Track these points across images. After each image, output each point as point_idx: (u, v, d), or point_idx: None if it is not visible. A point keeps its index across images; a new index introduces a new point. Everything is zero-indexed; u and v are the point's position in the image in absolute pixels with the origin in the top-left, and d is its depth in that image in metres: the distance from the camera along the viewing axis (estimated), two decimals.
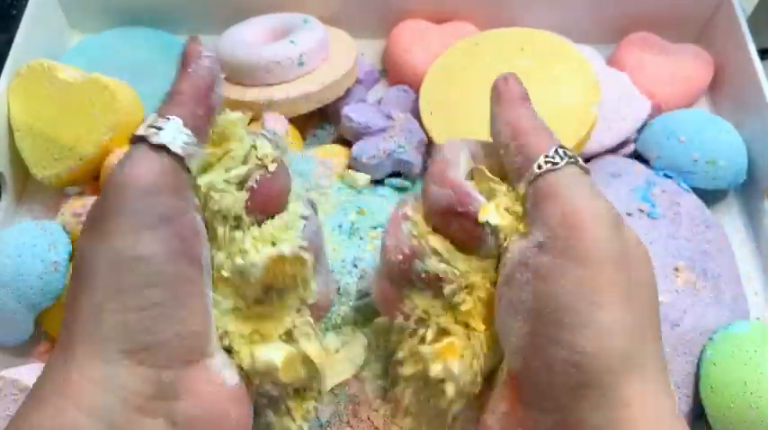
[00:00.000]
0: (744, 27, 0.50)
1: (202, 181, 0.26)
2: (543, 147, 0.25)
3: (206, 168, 0.26)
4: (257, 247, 0.26)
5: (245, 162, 0.27)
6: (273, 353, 0.27)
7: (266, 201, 0.27)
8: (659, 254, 0.41)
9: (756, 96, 0.48)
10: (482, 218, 0.26)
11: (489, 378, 0.27)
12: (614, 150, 0.49)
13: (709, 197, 0.47)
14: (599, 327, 0.22)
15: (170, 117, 0.25)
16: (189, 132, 0.25)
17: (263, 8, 0.52)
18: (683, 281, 0.41)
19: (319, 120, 0.51)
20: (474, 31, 0.53)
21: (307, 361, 0.28)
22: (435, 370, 0.27)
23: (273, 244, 0.26)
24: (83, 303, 0.23)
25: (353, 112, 0.47)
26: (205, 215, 0.26)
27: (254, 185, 0.26)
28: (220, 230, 0.26)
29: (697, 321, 0.39)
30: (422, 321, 0.28)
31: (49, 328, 0.42)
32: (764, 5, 0.54)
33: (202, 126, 0.26)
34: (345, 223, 0.42)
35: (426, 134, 0.46)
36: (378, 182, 0.47)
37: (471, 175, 0.28)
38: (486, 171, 0.27)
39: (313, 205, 0.29)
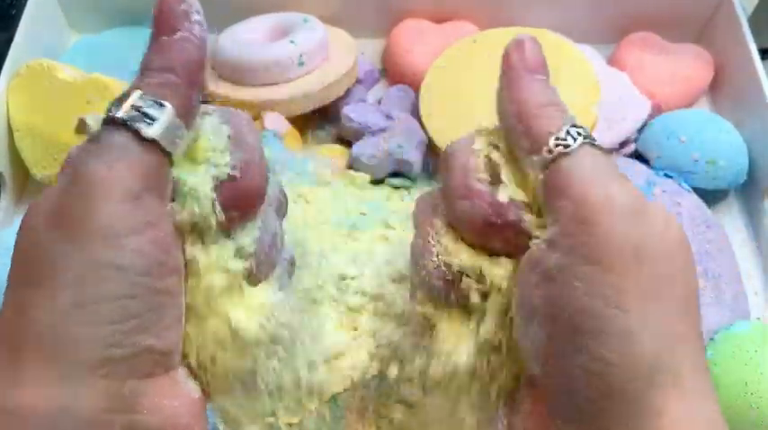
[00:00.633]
0: (744, 27, 0.50)
1: (186, 181, 0.22)
2: (553, 127, 0.22)
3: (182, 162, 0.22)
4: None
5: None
6: None
7: (243, 196, 0.23)
8: None
9: (757, 96, 0.48)
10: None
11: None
12: (615, 150, 0.49)
13: (710, 197, 0.47)
14: (621, 333, 0.19)
15: (163, 103, 0.21)
16: (182, 125, 0.21)
17: (262, 8, 0.52)
18: None
19: (319, 120, 0.51)
20: (474, 31, 0.53)
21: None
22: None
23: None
24: (41, 309, 0.20)
25: (353, 112, 0.47)
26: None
27: (237, 174, 0.22)
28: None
29: None
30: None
31: None
32: (765, 5, 0.54)
33: (193, 114, 0.22)
34: (345, 223, 0.42)
35: (426, 134, 0.46)
36: (378, 182, 0.47)
37: (491, 166, 0.24)
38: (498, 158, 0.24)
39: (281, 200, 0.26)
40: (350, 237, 0.41)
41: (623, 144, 0.49)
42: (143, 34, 0.54)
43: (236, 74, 0.47)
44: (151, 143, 0.20)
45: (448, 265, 0.24)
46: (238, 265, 0.23)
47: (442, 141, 0.45)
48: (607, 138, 0.47)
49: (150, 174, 0.21)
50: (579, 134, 0.21)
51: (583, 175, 0.21)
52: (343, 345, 0.36)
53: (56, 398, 0.19)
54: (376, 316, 0.37)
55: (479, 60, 0.48)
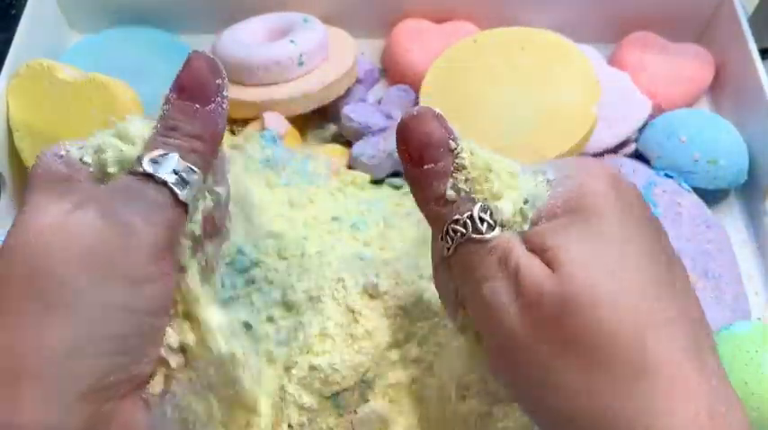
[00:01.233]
0: (745, 27, 0.50)
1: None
2: (438, 227, 0.23)
3: None
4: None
5: None
6: None
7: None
8: None
9: (757, 96, 0.48)
10: None
11: None
12: (615, 150, 0.49)
13: (710, 197, 0.46)
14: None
15: (195, 170, 0.23)
16: (203, 188, 0.24)
17: (262, 8, 0.52)
18: None
19: (319, 120, 0.51)
20: (474, 31, 0.53)
21: None
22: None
23: None
24: (52, 336, 0.20)
25: (353, 112, 0.47)
26: None
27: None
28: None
29: None
30: None
31: None
32: (765, 5, 0.54)
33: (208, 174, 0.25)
34: (346, 223, 0.42)
35: None
36: (378, 182, 0.47)
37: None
38: None
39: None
40: (350, 237, 0.41)
41: (624, 144, 0.49)
42: (143, 34, 0.55)
43: (237, 74, 0.47)
44: (182, 204, 0.23)
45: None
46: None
47: None
48: (608, 137, 0.47)
49: (175, 230, 0.23)
50: (456, 232, 0.22)
51: (461, 275, 0.23)
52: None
53: (46, 422, 0.20)
54: (376, 315, 0.37)
55: (479, 60, 0.47)
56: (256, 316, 0.38)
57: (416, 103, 0.48)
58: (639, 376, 0.19)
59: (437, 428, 0.32)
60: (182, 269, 0.25)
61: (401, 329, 0.36)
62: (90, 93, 0.45)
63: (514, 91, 0.45)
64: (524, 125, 0.44)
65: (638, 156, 0.49)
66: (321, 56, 0.48)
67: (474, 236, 0.22)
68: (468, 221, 0.22)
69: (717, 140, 0.46)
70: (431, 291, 0.37)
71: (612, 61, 0.53)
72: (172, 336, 0.24)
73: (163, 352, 0.24)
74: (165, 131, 0.24)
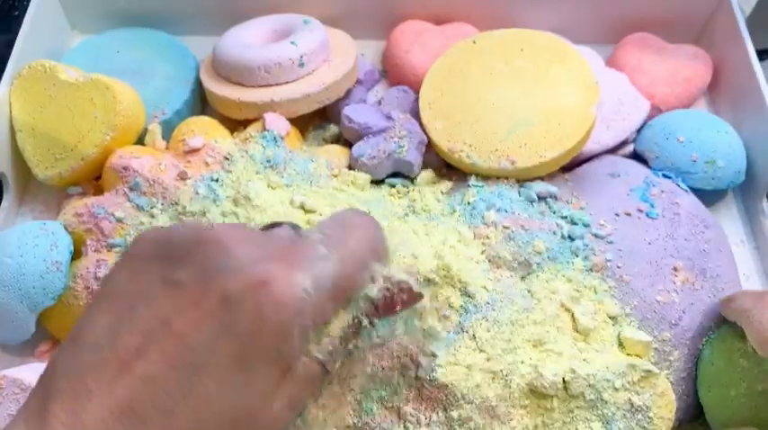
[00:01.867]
0: (742, 28, 0.50)
1: None
2: None
3: None
4: None
5: None
6: None
7: None
8: (658, 253, 0.41)
9: (755, 97, 0.48)
10: None
11: None
12: (613, 150, 0.49)
13: (709, 197, 0.47)
14: None
15: None
16: None
17: (263, 9, 0.52)
18: (681, 280, 0.41)
19: (319, 121, 0.51)
20: (474, 32, 0.53)
21: None
22: None
23: None
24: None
25: (353, 113, 0.47)
26: None
27: None
28: None
29: (695, 321, 0.40)
30: None
31: (51, 328, 0.42)
32: (763, 6, 0.55)
33: None
34: None
35: (426, 134, 0.46)
36: (378, 182, 0.47)
37: None
38: None
39: None
40: None
41: (622, 144, 0.49)
42: (144, 35, 0.55)
43: (237, 75, 0.47)
44: None
45: None
46: None
47: (442, 141, 0.45)
48: (606, 138, 0.48)
49: None
50: None
51: None
52: None
53: None
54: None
55: (479, 61, 0.48)
56: None
57: (416, 104, 0.48)
58: None
59: None
60: None
61: None
62: (92, 93, 0.45)
63: (514, 92, 0.46)
64: (523, 126, 0.44)
65: (637, 156, 0.49)
66: (322, 57, 0.49)
67: None
68: None
69: (715, 141, 0.46)
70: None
71: (611, 62, 0.53)
72: None
73: None
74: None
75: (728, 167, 0.46)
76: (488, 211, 0.41)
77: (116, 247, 0.41)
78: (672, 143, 0.46)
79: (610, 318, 0.39)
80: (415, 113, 0.48)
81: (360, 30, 0.54)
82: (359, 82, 0.51)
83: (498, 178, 0.44)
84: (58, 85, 0.46)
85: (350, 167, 0.47)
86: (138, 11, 0.54)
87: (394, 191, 0.46)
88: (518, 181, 0.44)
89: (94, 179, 0.47)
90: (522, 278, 0.40)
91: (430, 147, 0.47)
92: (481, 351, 0.36)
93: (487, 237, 0.40)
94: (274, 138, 0.45)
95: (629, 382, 0.36)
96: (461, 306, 0.37)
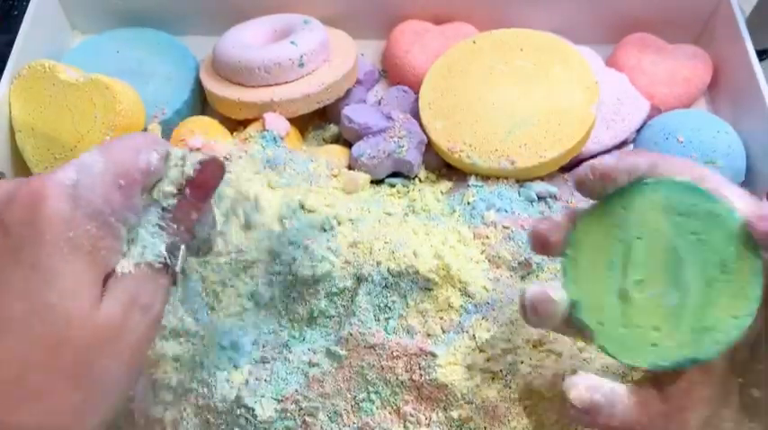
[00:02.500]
0: (742, 28, 0.50)
1: None
2: None
3: None
4: None
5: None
6: None
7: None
8: None
9: (755, 97, 0.48)
10: None
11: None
12: (613, 150, 0.49)
13: None
14: None
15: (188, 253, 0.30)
16: None
17: (263, 9, 0.52)
18: None
19: (319, 121, 0.51)
20: (474, 32, 0.53)
21: None
22: None
23: None
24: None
25: (353, 113, 0.47)
26: None
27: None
28: None
29: None
30: None
31: None
32: (762, 6, 0.55)
33: None
34: None
35: (426, 134, 0.47)
36: (378, 182, 0.47)
37: None
38: None
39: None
40: None
41: (622, 144, 0.49)
42: (144, 35, 0.55)
43: (237, 75, 0.47)
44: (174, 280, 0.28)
45: None
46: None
47: (442, 141, 0.45)
48: (606, 138, 0.48)
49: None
50: None
51: None
52: None
53: None
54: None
55: (479, 61, 0.48)
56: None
57: (416, 104, 0.48)
58: None
59: None
60: None
61: None
62: (92, 93, 0.45)
63: (514, 92, 0.46)
64: (524, 125, 0.44)
65: None
66: (321, 57, 0.49)
67: None
68: None
69: (714, 141, 0.46)
70: None
71: (611, 62, 0.53)
72: None
73: None
74: (177, 221, 0.28)
75: (728, 167, 0.46)
76: (488, 211, 0.41)
77: None
78: (671, 143, 0.46)
79: None
80: (415, 113, 0.48)
81: (360, 30, 0.54)
82: (359, 82, 0.51)
83: (498, 178, 0.44)
84: (58, 85, 0.46)
85: (350, 167, 0.47)
86: (138, 11, 0.54)
87: (394, 191, 0.46)
88: (518, 181, 0.45)
89: None
90: (522, 278, 0.40)
91: (430, 147, 0.47)
92: (481, 351, 0.36)
93: (487, 237, 0.40)
94: (274, 138, 0.45)
95: (629, 383, 0.36)
96: (461, 306, 0.37)
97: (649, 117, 0.50)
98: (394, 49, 0.53)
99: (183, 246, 0.28)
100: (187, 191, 0.28)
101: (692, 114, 0.49)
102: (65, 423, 0.24)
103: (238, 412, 0.35)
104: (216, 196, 0.41)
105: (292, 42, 0.47)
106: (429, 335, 0.36)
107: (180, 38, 0.54)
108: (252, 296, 0.38)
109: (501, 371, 0.35)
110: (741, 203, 0.26)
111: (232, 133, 0.48)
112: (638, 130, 0.49)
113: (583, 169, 0.28)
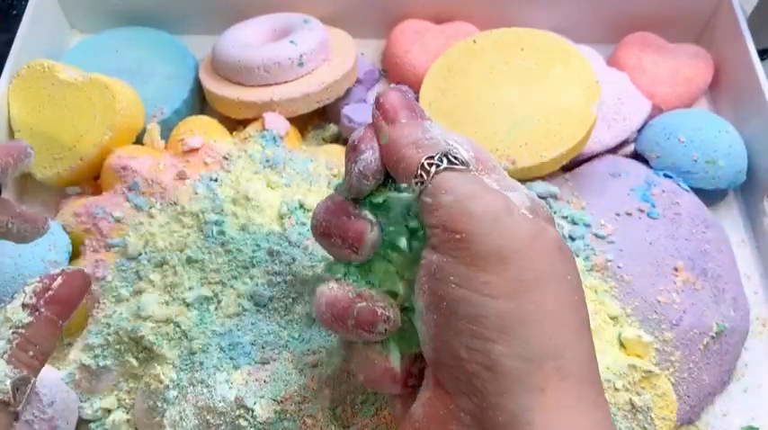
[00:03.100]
0: (743, 27, 0.50)
1: None
2: (413, 165, 0.26)
3: None
4: None
5: None
6: None
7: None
8: (659, 253, 0.41)
9: (756, 96, 0.48)
10: None
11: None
12: (614, 150, 0.49)
13: (709, 197, 0.47)
14: (496, 316, 0.23)
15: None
16: None
17: (263, 8, 0.52)
18: (682, 280, 0.41)
19: (319, 120, 0.51)
20: (474, 31, 0.53)
21: None
22: None
23: None
24: None
25: (353, 113, 0.47)
26: None
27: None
28: None
29: (697, 321, 0.39)
30: None
31: None
32: (764, 5, 0.55)
33: None
34: None
35: None
36: None
37: None
38: None
39: None
40: None
41: (623, 144, 0.49)
42: (143, 34, 0.55)
43: (237, 74, 0.47)
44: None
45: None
46: None
47: None
48: (607, 137, 0.47)
49: None
50: (432, 164, 0.25)
51: (442, 198, 0.24)
52: None
53: None
54: None
55: (479, 61, 0.48)
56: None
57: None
58: None
59: None
60: None
61: None
62: (91, 93, 0.45)
63: (514, 91, 0.46)
64: (524, 125, 0.44)
65: (637, 156, 0.49)
66: (321, 56, 0.48)
67: (454, 166, 0.25)
68: (442, 157, 0.25)
69: (716, 140, 0.46)
70: None
71: (612, 62, 0.53)
72: None
73: None
74: (30, 345, 0.25)
75: (729, 167, 0.46)
76: None
77: (115, 248, 0.41)
78: (673, 143, 0.46)
79: (611, 318, 0.39)
80: None
81: (360, 29, 0.54)
82: (359, 81, 0.51)
83: None
84: (57, 85, 0.45)
85: None
86: (138, 10, 0.54)
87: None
88: (518, 180, 0.44)
89: (93, 179, 0.47)
90: None
91: None
92: None
93: None
94: (274, 137, 0.45)
95: (629, 383, 0.35)
96: None
97: (650, 116, 0.49)
98: (394, 49, 0.53)
99: (33, 380, 0.24)
100: (44, 310, 0.25)
101: (694, 114, 0.49)
102: None
103: (238, 413, 0.35)
104: (216, 196, 0.41)
105: (292, 42, 0.47)
106: None
107: (179, 37, 0.54)
108: (252, 296, 0.38)
109: None
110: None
111: (231, 133, 0.47)
112: (640, 130, 0.49)
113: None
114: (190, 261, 0.39)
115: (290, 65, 0.47)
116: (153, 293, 0.39)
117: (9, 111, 0.46)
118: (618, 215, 0.43)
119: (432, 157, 0.25)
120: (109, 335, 0.38)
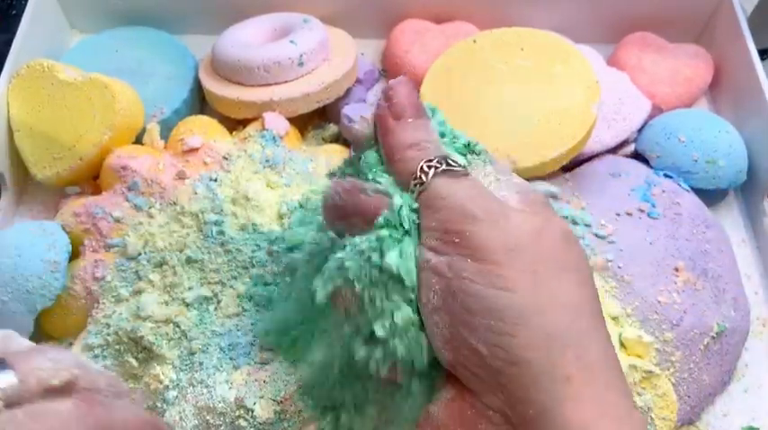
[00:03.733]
0: (744, 27, 0.50)
1: None
2: (411, 167, 0.26)
3: None
4: None
5: None
6: None
7: None
8: (659, 253, 0.41)
9: (756, 96, 0.48)
10: None
11: None
12: (614, 150, 0.49)
13: (710, 197, 0.47)
14: (509, 308, 0.23)
15: None
16: None
17: (263, 8, 0.52)
18: (683, 281, 0.41)
19: (319, 120, 0.51)
20: (474, 31, 0.53)
21: None
22: None
23: None
24: None
25: (353, 113, 0.47)
26: None
27: None
28: None
29: (697, 321, 0.39)
30: None
31: (49, 328, 0.42)
32: (764, 5, 0.55)
33: None
34: None
35: None
36: None
37: None
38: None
39: None
40: None
41: (623, 144, 0.49)
42: (143, 34, 0.55)
43: (237, 74, 0.47)
44: None
45: None
46: None
47: None
48: (607, 137, 0.47)
49: None
50: (431, 167, 0.26)
51: (440, 201, 0.25)
52: None
53: None
54: None
55: (479, 60, 0.48)
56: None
57: None
58: None
59: None
60: None
61: None
62: (90, 93, 0.45)
63: (514, 91, 0.46)
64: (524, 125, 0.44)
65: (638, 156, 0.49)
66: (321, 56, 0.48)
67: (453, 169, 0.26)
68: (442, 160, 0.26)
69: (716, 140, 0.46)
70: None
71: (612, 61, 0.53)
72: None
73: None
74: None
75: (730, 167, 0.46)
76: None
77: (114, 248, 0.41)
78: (673, 143, 0.46)
79: (611, 318, 0.39)
80: None
81: (360, 29, 0.54)
82: (358, 81, 0.51)
83: None
84: (57, 85, 0.45)
85: None
86: (137, 10, 0.54)
87: None
88: None
89: (93, 179, 0.46)
90: None
91: None
92: None
93: None
94: (273, 137, 0.45)
95: (630, 383, 0.35)
96: None
97: (650, 116, 0.49)
98: (394, 49, 0.53)
99: None
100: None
101: (694, 114, 0.49)
102: None
103: (238, 413, 0.35)
104: (215, 196, 0.41)
105: (292, 41, 0.47)
106: None
107: (179, 37, 0.54)
108: (251, 297, 0.38)
109: None
110: None
111: (231, 133, 0.47)
112: (640, 130, 0.49)
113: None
114: (189, 261, 0.39)
115: (289, 65, 0.47)
116: (152, 293, 0.39)
117: (9, 111, 0.46)
118: (618, 215, 0.43)
119: (431, 160, 0.26)
120: (108, 335, 0.38)
